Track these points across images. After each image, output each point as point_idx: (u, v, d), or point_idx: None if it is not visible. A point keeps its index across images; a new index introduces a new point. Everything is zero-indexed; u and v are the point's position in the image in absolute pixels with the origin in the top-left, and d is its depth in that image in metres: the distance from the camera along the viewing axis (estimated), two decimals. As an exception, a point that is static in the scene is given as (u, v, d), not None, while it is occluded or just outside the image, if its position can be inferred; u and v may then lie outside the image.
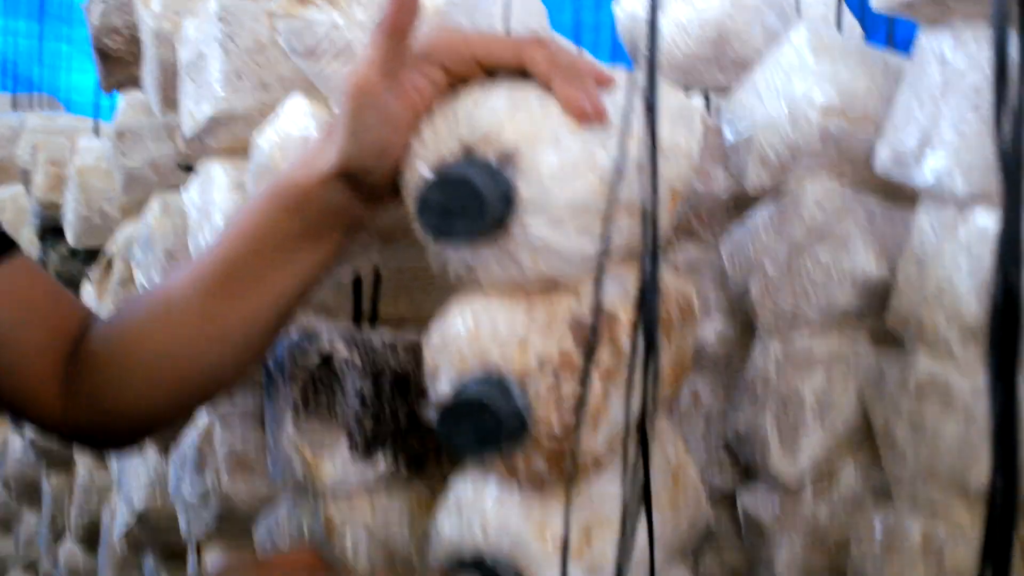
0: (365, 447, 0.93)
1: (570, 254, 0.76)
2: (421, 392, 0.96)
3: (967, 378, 0.91)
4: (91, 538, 1.67)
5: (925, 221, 0.94)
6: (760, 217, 1.08)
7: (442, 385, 0.79)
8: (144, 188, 1.42)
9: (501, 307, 0.78)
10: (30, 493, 2.03)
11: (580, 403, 0.75)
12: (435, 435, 0.96)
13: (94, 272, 1.59)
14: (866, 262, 1.02)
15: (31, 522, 2.06)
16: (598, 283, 0.75)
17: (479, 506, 0.82)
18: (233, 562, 0.76)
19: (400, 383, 0.94)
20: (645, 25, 0.79)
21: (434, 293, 1.07)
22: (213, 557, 1.18)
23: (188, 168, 1.38)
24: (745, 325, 1.16)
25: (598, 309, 0.76)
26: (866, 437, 1.05)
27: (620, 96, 0.81)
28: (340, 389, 0.94)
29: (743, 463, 1.11)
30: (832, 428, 1.04)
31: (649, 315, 0.84)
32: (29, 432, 1.85)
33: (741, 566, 1.17)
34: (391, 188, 0.81)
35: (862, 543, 0.97)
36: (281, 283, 0.86)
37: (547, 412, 0.76)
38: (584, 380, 0.75)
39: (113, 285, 1.48)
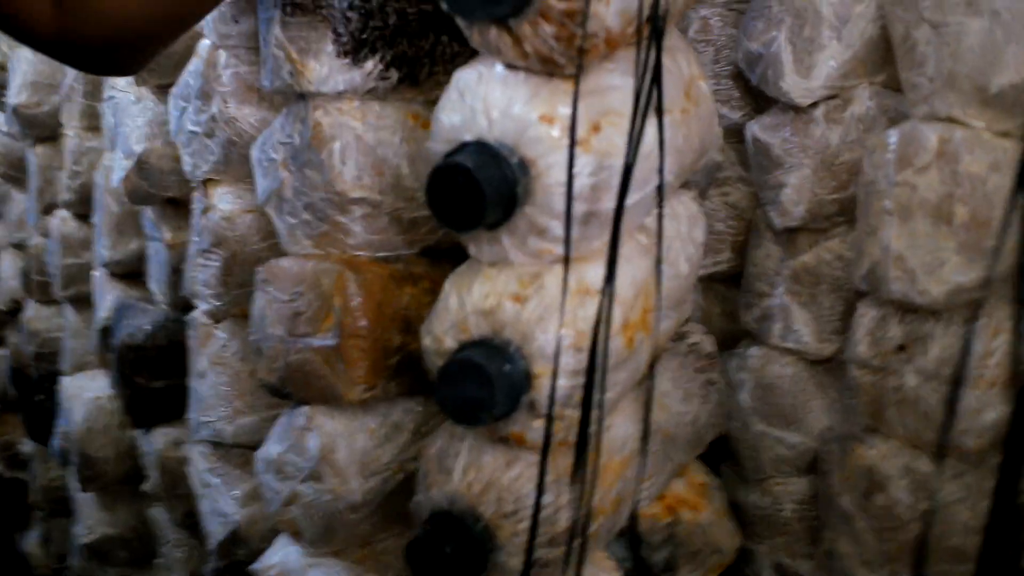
0: (353, 47, 0.87)
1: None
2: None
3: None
4: (83, 205, 1.65)
5: None
6: None
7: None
8: None
9: None
10: (16, 172, 1.99)
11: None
12: (430, 39, 0.91)
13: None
14: None
15: (19, 201, 2.04)
16: None
17: (483, 91, 0.78)
18: None
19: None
20: None
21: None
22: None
23: None
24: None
25: None
26: (883, 58, 1.00)
27: None
28: (327, -16, 0.88)
29: (754, 88, 1.07)
30: (849, 43, 0.99)
31: None
32: (10, 105, 1.80)
33: (745, 204, 1.15)
34: None
35: (874, 155, 0.94)
36: None
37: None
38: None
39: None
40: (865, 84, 1.01)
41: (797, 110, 1.02)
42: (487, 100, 0.77)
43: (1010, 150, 0.88)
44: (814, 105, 1.02)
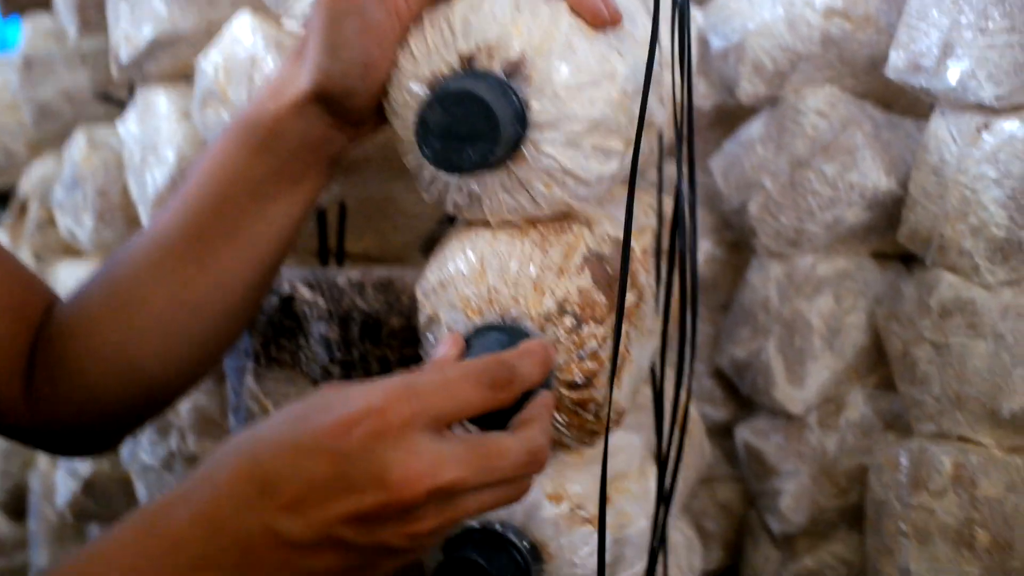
0: (333, 400, 0.82)
1: (587, 176, 0.66)
2: (393, 335, 0.86)
3: (996, 296, 0.85)
4: (16, 506, 1.54)
5: (944, 129, 0.86)
6: (756, 130, 1.00)
7: (442, 335, 0.68)
8: (58, 122, 1.28)
9: (509, 242, 0.67)
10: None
11: (614, 354, 0.66)
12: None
13: (6, 216, 1.45)
14: (875, 175, 0.94)
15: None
16: (629, 210, 0.66)
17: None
18: None
19: (370, 326, 0.84)
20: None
21: (403, 226, 0.97)
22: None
23: (109, 98, 1.24)
24: (733, 245, 1.08)
25: (628, 243, 0.66)
26: (876, 362, 0.98)
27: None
28: (303, 335, 0.83)
29: (743, 393, 1.04)
30: (841, 353, 0.97)
31: (687, 246, 0.76)
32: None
33: (735, 501, 1.11)
34: (375, 112, 0.70)
35: (882, 473, 0.90)
36: (259, 237, 0.72)
37: (568, 359, 0.66)
38: (618, 327, 0.66)
39: (29, 230, 1.34)
40: (858, 388, 0.98)
41: (789, 416, 0.99)
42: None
43: (1022, 468, 0.85)
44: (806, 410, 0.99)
